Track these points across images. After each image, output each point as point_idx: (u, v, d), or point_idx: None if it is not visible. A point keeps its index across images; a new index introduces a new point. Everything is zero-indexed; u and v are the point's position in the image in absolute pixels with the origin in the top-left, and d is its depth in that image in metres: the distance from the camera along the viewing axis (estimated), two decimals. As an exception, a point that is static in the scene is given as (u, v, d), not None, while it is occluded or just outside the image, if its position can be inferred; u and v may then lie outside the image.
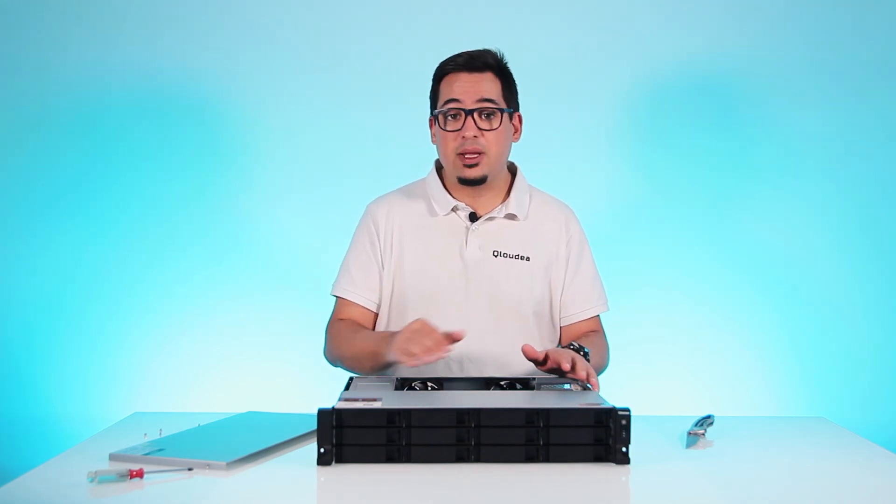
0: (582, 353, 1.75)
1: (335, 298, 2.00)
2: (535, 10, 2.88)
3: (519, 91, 1.98)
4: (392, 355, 1.69)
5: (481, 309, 1.91)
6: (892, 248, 2.86)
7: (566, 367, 1.64)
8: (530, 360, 1.70)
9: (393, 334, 1.74)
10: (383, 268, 1.96)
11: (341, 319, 1.96)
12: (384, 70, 2.87)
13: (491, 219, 1.94)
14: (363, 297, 1.96)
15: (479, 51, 1.92)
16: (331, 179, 2.88)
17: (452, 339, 1.66)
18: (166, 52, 2.86)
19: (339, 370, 1.96)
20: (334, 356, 1.93)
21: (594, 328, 1.99)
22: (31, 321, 2.86)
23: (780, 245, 2.86)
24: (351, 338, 1.89)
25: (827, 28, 2.84)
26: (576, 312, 1.97)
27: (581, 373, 1.64)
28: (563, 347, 1.80)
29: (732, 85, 2.86)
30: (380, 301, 1.97)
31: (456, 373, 1.88)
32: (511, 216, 1.95)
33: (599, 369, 1.89)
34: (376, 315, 1.98)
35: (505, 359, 1.89)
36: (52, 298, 2.86)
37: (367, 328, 1.95)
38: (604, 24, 2.87)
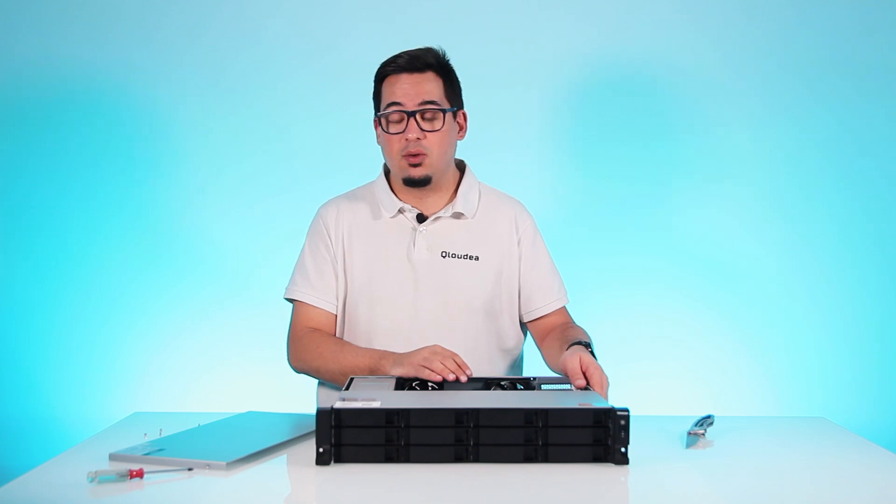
0: (590, 350, 1.74)
1: (292, 303, 1.97)
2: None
3: (465, 86, 1.98)
4: (402, 370, 1.70)
5: (431, 310, 1.90)
6: (893, 247, 2.85)
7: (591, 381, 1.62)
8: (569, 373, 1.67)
9: (400, 354, 1.75)
10: (336, 270, 1.95)
11: (312, 329, 1.93)
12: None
13: (438, 219, 1.94)
14: (323, 300, 1.94)
15: (420, 50, 1.90)
16: (332, 177, 2.88)
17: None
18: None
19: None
20: (309, 367, 1.89)
21: (565, 320, 1.98)
22: (31, 321, 2.86)
23: (780, 244, 2.86)
24: (336, 351, 1.85)
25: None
26: (540, 307, 1.97)
27: (598, 388, 1.61)
28: (572, 345, 1.76)
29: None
30: (337, 303, 1.96)
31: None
32: (458, 215, 1.95)
33: None
34: (336, 318, 1.96)
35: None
36: (51, 298, 2.86)
37: (341, 339, 1.94)
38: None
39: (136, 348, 2.86)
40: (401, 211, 1.95)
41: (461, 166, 2.02)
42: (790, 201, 2.86)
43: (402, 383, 1.70)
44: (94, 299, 2.87)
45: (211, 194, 2.89)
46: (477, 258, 1.94)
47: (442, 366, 1.66)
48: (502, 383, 1.71)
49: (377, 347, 1.87)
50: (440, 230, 1.94)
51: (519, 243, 1.97)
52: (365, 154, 2.85)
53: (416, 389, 1.68)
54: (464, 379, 1.66)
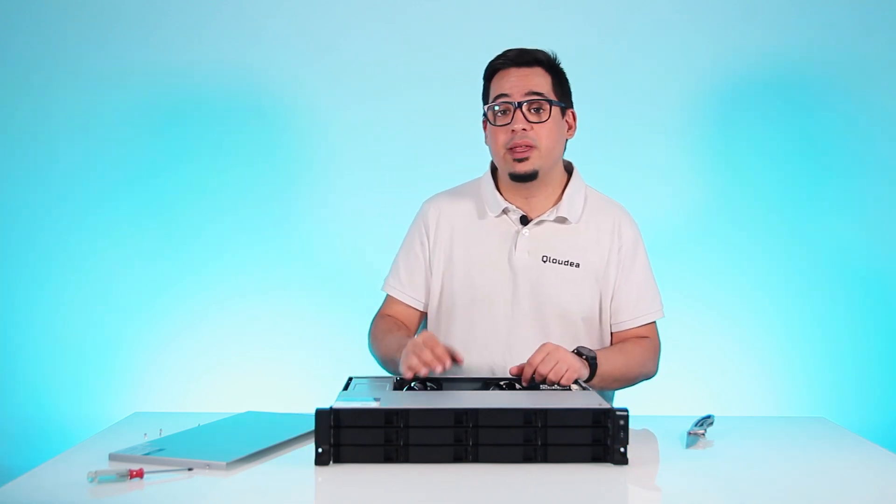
0: (583, 357, 1.73)
1: (385, 294, 2.02)
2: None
3: (585, 90, 1.95)
4: (400, 367, 1.70)
5: (528, 315, 1.88)
6: (893, 246, 2.85)
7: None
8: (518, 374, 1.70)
9: (407, 346, 1.74)
10: (432, 268, 1.95)
11: (384, 316, 1.97)
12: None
13: (541, 222, 1.91)
14: (408, 295, 1.97)
15: (530, 48, 1.88)
16: (332, 178, 2.88)
17: (455, 358, 1.69)
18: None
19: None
20: (372, 351, 1.95)
21: (643, 335, 1.94)
22: (31, 321, 2.86)
23: (779, 244, 2.86)
24: (383, 338, 1.90)
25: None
26: (625, 321, 1.92)
27: (527, 369, 1.65)
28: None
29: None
30: (426, 301, 1.97)
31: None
32: (562, 220, 1.91)
33: (617, 374, 1.83)
34: (422, 314, 1.99)
35: None
36: (51, 298, 2.86)
37: (404, 328, 1.95)
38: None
39: (136, 348, 2.86)
40: (505, 211, 1.92)
41: (569, 168, 1.98)
42: (787, 199, 2.86)
43: (401, 383, 1.69)
44: (95, 299, 2.87)
45: (210, 194, 2.89)
46: (577, 265, 1.90)
47: (418, 362, 1.64)
48: (501, 383, 1.71)
49: (475, 348, 1.88)
50: (542, 234, 1.91)
51: (619, 251, 1.93)
52: (366, 154, 2.88)
53: (414, 389, 1.68)
54: (438, 370, 1.62)
